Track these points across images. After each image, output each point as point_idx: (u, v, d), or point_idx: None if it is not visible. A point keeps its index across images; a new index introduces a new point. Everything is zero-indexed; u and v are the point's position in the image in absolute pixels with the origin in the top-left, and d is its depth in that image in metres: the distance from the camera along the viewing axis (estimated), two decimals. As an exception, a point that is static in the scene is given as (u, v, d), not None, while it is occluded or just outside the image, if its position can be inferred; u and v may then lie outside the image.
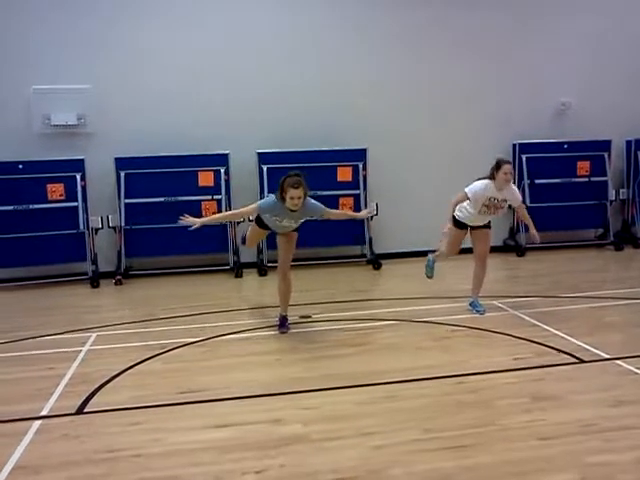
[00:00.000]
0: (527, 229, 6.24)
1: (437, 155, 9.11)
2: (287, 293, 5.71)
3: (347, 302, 6.73)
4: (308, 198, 5.28)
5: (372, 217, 8.87)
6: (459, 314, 6.05)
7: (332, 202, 8.65)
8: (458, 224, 6.02)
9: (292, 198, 5.10)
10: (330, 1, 8.85)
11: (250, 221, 6.40)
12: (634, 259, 9.01)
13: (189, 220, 5.21)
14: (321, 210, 5.47)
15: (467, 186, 5.88)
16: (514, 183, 9.01)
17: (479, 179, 5.89)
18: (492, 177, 5.82)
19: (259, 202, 5.50)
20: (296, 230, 5.62)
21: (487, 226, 6.05)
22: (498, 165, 5.78)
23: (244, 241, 6.39)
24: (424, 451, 3.43)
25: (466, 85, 9.17)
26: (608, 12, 9.44)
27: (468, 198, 5.82)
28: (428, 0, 8.98)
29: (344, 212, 6.08)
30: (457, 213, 5.98)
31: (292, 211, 5.24)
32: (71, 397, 4.30)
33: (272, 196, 5.37)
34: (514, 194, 5.95)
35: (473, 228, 6.04)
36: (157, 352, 5.19)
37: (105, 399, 4.28)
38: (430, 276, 6.48)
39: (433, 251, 6.54)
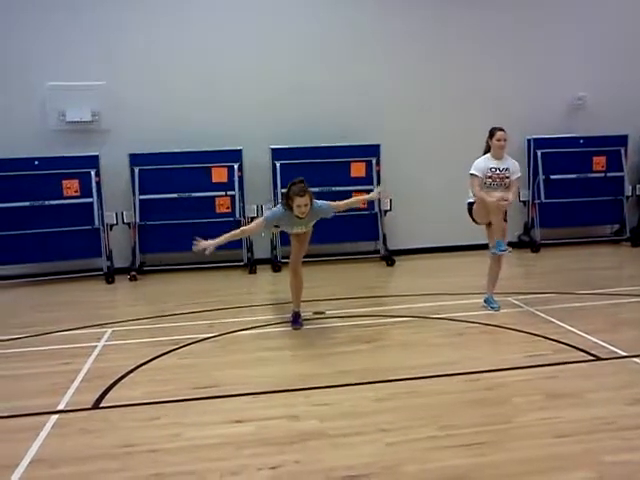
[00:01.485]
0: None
1: (451, 151, 9.04)
2: (298, 289, 5.72)
3: (361, 298, 6.72)
4: (315, 201, 5.29)
5: (386, 213, 8.87)
6: (474, 310, 6.02)
7: (346, 197, 8.55)
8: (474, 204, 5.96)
9: (299, 206, 5.14)
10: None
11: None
12: (651, 255, 8.92)
13: (202, 245, 5.15)
14: (330, 209, 5.48)
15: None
16: (529, 178, 9.11)
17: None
18: (487, 149, 5.93)
19: (266, 215, 5.55)
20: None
21: (503, 219, 5.99)
22: (491, 133, 5.90)
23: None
24: (439, 448, 3.42)
25: (480, 80, 9.11)
26: (625, 4, 9.34)
27: (479, 177, 5.83)
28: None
29: (350, 200, 5.90)
30: (470, 198, 5.97)
31: (300, 218, 5.26)
32: (87, 392, 4.33)
33: (279, 207, 5.40)
34: (515, 164, 5.96)
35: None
36: (172, 348, 5.21)
37: (121, 394, 4.30)
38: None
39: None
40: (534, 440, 3.47)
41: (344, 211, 5.85)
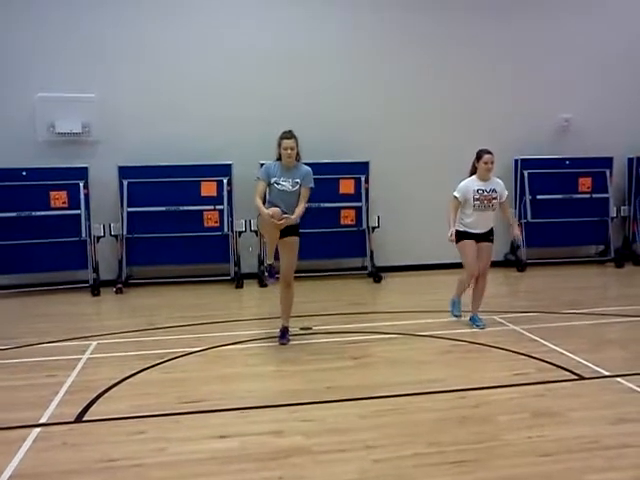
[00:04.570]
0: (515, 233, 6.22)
1: (439, 169, 9.12)
2: (289, 303, 5.72)
3: (348, 315, 6.73)
4: (302, 163, 5.60)
5: (373, 229, 8.92)
6: (459, 328, 6.05)
7: (334, 214, 8.72)
8: (463, 236, 6.03)
9: (286, 149, 5.46)
10: (335, 17, 8.90)
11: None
12: (635, 276, 9.00)
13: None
14: (311, 178, 5.57)
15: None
16: (515, 198, 9.20)
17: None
18: (474, 171, 5.97)
19: (258, 173, 5.70)
20: (296, 234, 5.59)
21: (489, 240, 6.06)
22: (478, 156, 5.92)
23: (270, 270, 5.74)
24: (424, 465, 3.41)
25: (469, 100, 9.24)
26: (612, 28, 9.53)
27: (459, 201, 5.91)
28: (433, 17, 9.09)
29: (298, 210, 5.56)
30: (458, 226, 6.01)
31: (287, 169, 5.49)
32: (70, 405, 4.29)
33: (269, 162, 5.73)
34: (501, 185, 6.02)
35: (477, 240, 6.02)
36: (157, 361, 5.18)
37: (105, 408, 4.27)
38: (458, 315, 6.22)
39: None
40: (519, 458, 3.48)
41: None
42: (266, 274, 5.84)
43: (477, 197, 5.88)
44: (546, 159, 9.37)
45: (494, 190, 5.94)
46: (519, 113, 9.33)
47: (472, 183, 5.94)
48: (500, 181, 6.08)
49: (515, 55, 9.33)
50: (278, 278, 5.68)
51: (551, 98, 9.45)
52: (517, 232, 6.18)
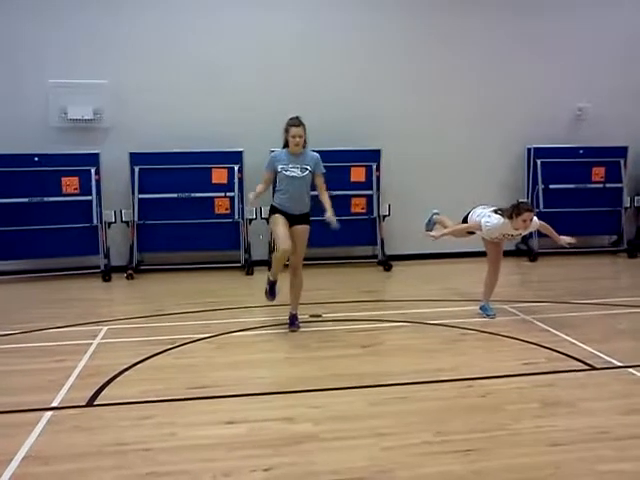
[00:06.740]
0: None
1: (452, 158, 9.09)
2: (298, 289, 5.72)
3: (357, 302, 6.73)
4: (309, 150, 5.57)
5: (384, 218, 8.89)
6: (470, 317, 6.03)
7: (345, 202, 8.69)
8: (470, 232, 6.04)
9: (294, 137, 5.41)
10: (347, 3, 8.84)
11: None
12: (647, 267, 8.93)
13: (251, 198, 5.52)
14: (321, 164, 5.57)
15: (481, 206, 5.91)
16: (528, 187, 9.13)
17: (497, 211, 5.73)
18: (510, 217, 5.59)
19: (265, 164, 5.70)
20: (307, 223, 5.60)
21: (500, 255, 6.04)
22: (518, 211, 5.50)
23: (271, 288, 5.75)
24: (433, 454, 3.41)
25: (483, 89, 9.16)
26: (627, 17, 9.40)
27: (480, 230, 5.78)
28: (446, 5, 8.99)
29: (327, 201, 5.60)
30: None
31: (295, 156, 5.47)
32: (82, 389, 4.32)
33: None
34: (532, 227, 5.72)
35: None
36: (167, 347, 5.21)
37: (115, 392, 4.30)
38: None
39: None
40: (528, 448, 3.47)
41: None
42: (267, 288, 5.70)
43: (500, 237, 5.79)
44: (559, 148, 9.28)
45: (520, 234, 5.78)
46: (533, 101, 9.24)
47: (504, 229, 5.65)
48: (536, 221, 5.71)
49: (530, 44, 9.20)
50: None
51: (565, 87, 9.34)
52: (567, 240, 5.87)
